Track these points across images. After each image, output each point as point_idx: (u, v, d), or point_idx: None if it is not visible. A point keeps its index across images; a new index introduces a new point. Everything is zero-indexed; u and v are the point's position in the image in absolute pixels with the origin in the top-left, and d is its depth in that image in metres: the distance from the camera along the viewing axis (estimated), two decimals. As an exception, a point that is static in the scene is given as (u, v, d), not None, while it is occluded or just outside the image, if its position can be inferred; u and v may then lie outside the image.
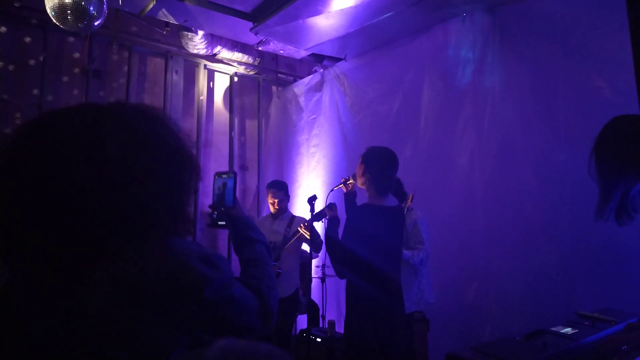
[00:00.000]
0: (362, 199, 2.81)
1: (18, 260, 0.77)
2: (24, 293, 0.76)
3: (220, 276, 0.86)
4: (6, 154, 0.76)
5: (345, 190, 2.95)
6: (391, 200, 2.68)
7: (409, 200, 3.24)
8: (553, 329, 1.83)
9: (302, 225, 3.78)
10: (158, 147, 0.83)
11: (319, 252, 4.02)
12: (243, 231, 1.22)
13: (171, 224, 0.83)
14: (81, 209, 0.72)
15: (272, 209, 4.14)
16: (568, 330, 1.82)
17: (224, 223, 1.28)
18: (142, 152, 0.80)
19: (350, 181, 2.91)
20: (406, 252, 3.15)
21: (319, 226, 3.90)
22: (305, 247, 4.09)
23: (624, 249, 2.75)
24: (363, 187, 2.69)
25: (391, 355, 2.48)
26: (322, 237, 3.71)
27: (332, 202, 2.98)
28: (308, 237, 3.71)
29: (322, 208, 3.02)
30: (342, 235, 2.63)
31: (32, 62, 4.43)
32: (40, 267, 0.74)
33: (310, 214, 3.15)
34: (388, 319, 2.52)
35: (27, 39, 4.42)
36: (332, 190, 3.20)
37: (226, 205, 1.28)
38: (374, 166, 2.61)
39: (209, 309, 0.84)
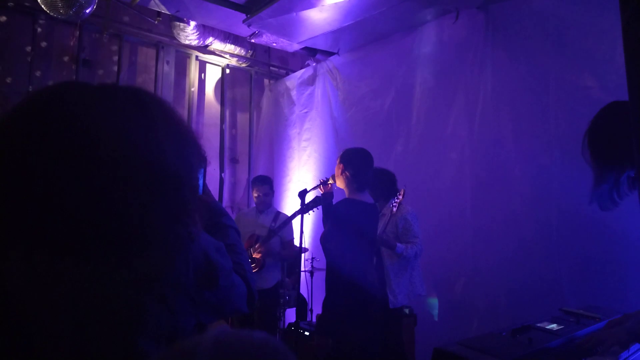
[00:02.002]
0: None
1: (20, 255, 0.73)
2: (35, 289, 0.72)
3: (227, 264, 0.95)
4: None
5: (322, 191, 3.07)
6: (368, 197, 2.87)
7: (401, 195, 3.24)
8: (539, 324, 1.85)
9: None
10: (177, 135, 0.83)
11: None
12: (215, 217, 1.23)
13: (185, 215, 0.83)
14: (95, 202, 0.70)
15: (256, 203, 4.23)
16: (553, 326, 1.84)
17: None
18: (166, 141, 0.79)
19: (330, 182, 3.01)
20: (400, 245, 3.16)
21: (311, 217, 3.94)
22: (296, 241, 4.10)
23: (610, 247, 2.78)
24: (342, 186, 2.86)
25: (370, 343, 2.63)
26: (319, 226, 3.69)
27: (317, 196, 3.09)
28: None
29: (310, 200, 3.11)
30: (328, 227, 2.82)
31: (20, 49, 4.36)
32: (46, 262, 0.71)
33: (300, 207, 3.16)
34: (368, 308, 2.65)
35: (16, 26, 4.35)
36: (309, 190, 3.22)
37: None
38: (351, 165, 2.80)
39: (219, 294, 0.91)
